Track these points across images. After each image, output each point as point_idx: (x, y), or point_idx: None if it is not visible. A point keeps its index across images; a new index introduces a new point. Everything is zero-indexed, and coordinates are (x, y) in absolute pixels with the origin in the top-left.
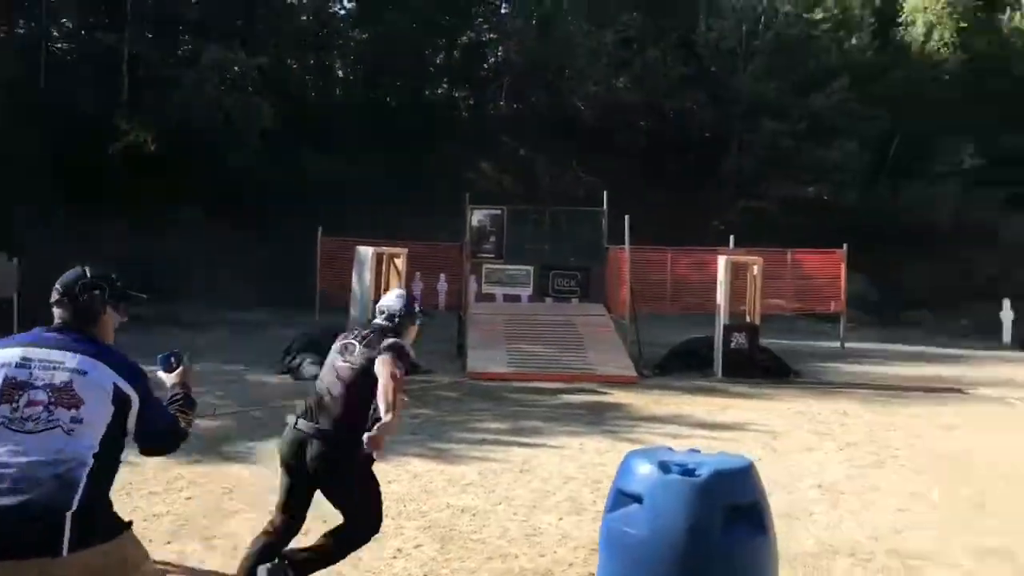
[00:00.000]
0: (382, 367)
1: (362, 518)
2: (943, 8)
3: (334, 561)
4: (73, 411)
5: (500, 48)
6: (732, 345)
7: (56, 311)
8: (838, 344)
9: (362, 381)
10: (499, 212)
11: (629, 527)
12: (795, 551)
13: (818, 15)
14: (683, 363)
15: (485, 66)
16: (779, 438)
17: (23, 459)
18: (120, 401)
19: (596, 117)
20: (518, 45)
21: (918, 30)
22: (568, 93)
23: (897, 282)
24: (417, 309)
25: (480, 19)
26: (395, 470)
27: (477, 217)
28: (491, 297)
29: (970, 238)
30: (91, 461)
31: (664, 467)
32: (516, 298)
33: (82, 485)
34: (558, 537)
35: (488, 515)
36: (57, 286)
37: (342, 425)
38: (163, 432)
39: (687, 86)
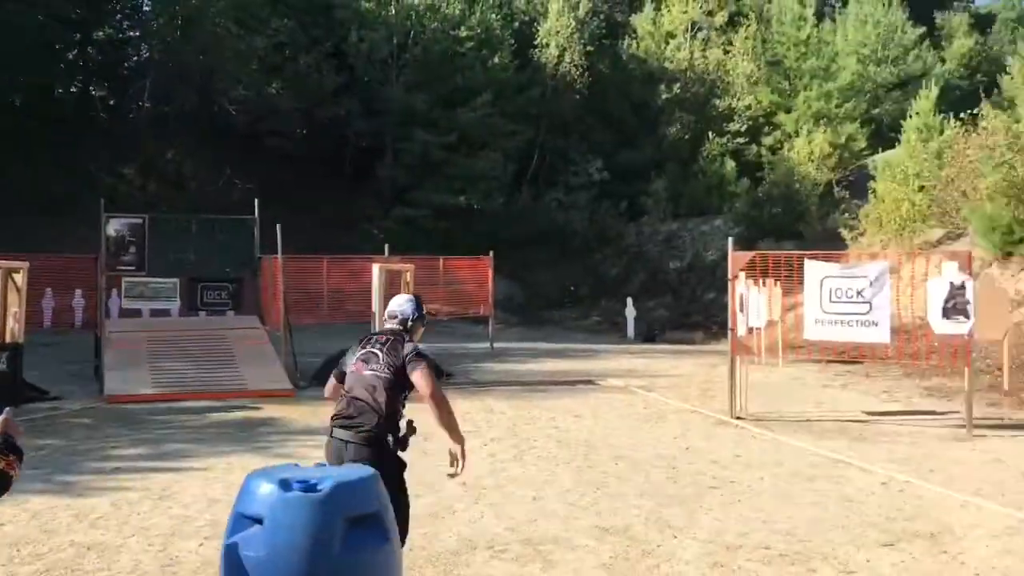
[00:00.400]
0: (424, 382)
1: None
2: (572, 33)
3: None
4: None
5: (143, 46)
6: None
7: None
8: (488, 345)
9: (390, 388)
10: (139, 221)
11: (248, 550)
12: (437, 550)
13: (463, 32)
14: None
15: (126, 65)
16: (429, 439)
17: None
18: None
19: (249, 122)
20: (161, 44)
21: (552, 52)
22: (218, 96)
23: (539, 284)
24: (425, 311)
25: (119, 15)
26: (11, 510)
27: (114, 226)
28: (137, 313)
29: (599, 243)
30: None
31: (285, 485)
32: (165, 313)
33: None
34: (197, 564)
35: (119, 550)
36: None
37: (375, 429)
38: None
39: (341, 95)
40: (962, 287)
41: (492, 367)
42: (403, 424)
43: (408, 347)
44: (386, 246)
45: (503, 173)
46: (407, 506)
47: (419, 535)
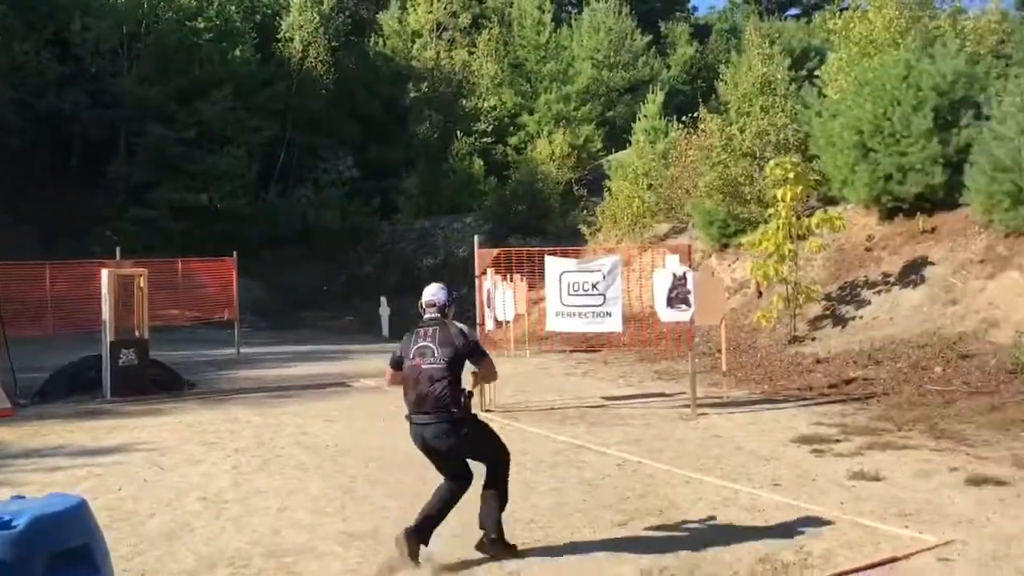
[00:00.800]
0: (489, 371)
1: (494, 454)
2: (317, 28)
3: (505, 496)
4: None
5: None
6: (121, 362)
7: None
8: (234, 350)
9: (450, 373)
10: None
11: None
12: (174, 571)
13: (200, 23)
14: (68, 387)
15: None
16: (167, 454)
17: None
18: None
19: None
20: None
21: (296, 47)
22: None
23: (290, 284)
24: (455, 295)
25: None
26: None
27: None
28: None
29: (352, 241)
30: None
31: None
32: None
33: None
34: None
35: None
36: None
37: (445, 408)
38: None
39: (65, 86)
40: (683, 278)
41: (238, 374)
42: (464, 396)
43: (455, 332)
44: (117, 248)
45: (248, 170)
46: (496, 436)
47: (153, 558)
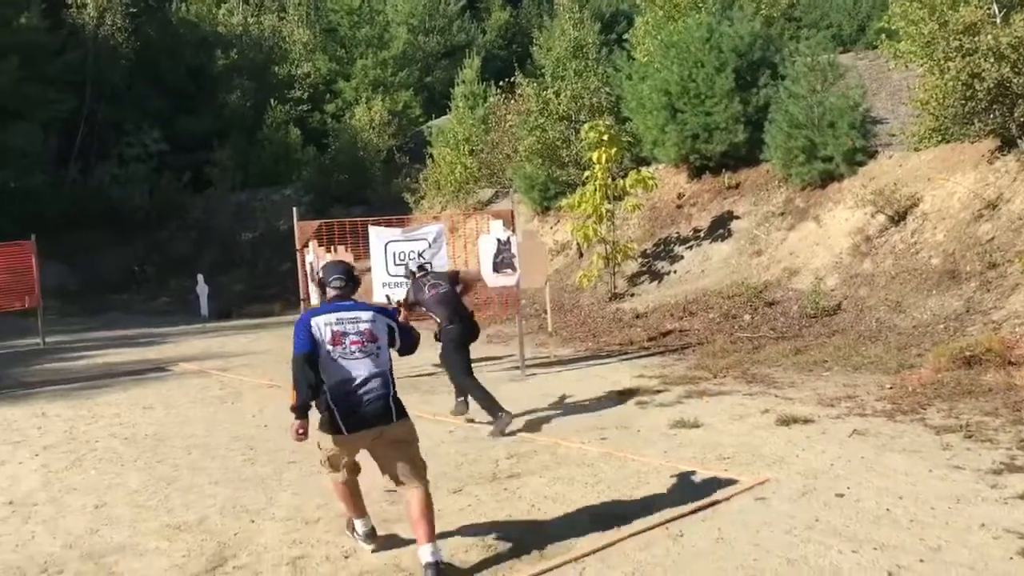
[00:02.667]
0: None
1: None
2: None
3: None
4: (375, 343)
5: None
6: None
7: (339, 288)
8: (39, 340)
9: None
10: None
11: None
12: None
13: None
14: None
15: None
16: None
17: (366, 372)
18: (390, 330)
19: None
20: None
21: (91, 13)
22: None
23: (97, 267)
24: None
25: None
26: None
27: None
28: None
29: (163, 218)
30: (389, 368)
31: None
32: None
33: (390, 382)
34: None
35: None
36: (341, 272)
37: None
38: (413, 343)
39: None
40: (508, 243)
41: (44, 366)
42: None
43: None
44: None
45: (44, 147)
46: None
47: None
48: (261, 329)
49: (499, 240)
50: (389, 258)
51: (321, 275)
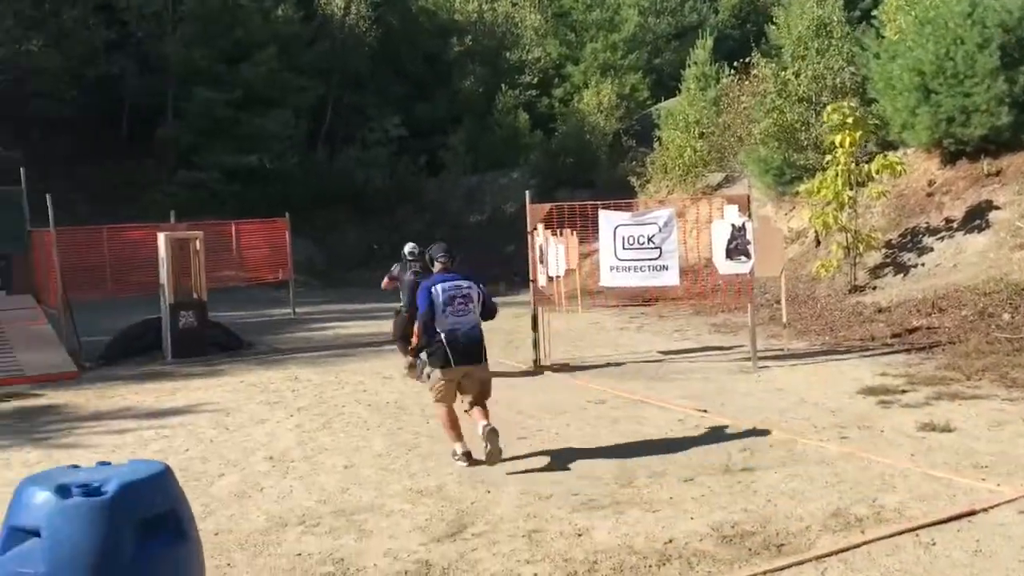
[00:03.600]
0: None
1: None
2: None
3: None
4: (472, 304)
5: None
6: (181, 324)
7: (444, 263)
8: (290, 310)
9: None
10: None
11: (25, 567)
12: (246, 530)
13: None
14: (131, 349)
15: None
16: (232, 414)
17: (468, 325)
18: (480, 295)
19: (9, 83)
20: None
21: (338, 4)
22: None
23: (340, 244)
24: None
25: None
26: None
27: None
28: None
29: (400, 199)
30: (479, 322)
31: (63, 491)
32: None
33: (480, 333)
34: None
35: None
36: (445, 250)
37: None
38: (493, 308)
39: (113, 52)
40: (742, 228)
41: (295, 334)
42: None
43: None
44: (171, 212)
45: (296, 131)
46: None
47: (225, 517)
48: None
49: (734, 226)
50: (618, 242)
51: (430, 253)
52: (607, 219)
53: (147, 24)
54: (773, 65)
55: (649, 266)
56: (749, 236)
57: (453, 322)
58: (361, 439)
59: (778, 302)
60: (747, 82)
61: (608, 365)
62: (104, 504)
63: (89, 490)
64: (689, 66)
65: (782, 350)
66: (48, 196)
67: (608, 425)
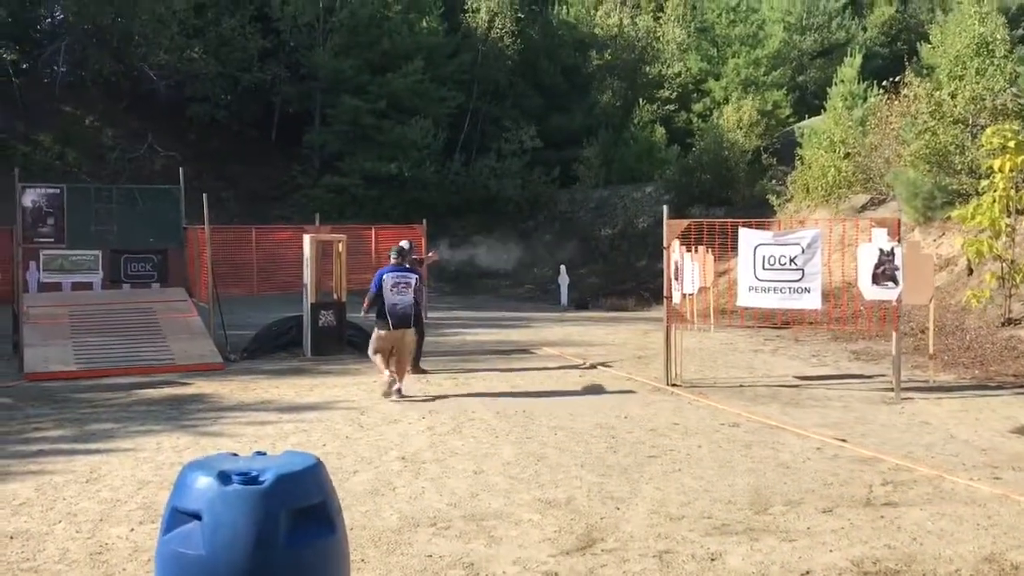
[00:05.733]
0: None
1: None
2: None
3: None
4: (410, 289)
5: (56, 6)
6: (320, 323)
7: (395, 259)
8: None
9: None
10: (58, 191)
11: (186, 548)
12: (379, 528)
13: None
14: (272, 345)
15: (39, 27)
16: (366, 413)
17: (403, 303)
18: (415, 284)
19: (170, 88)
20: (75, 5)
21: (482, 17)
22: (138, 61)
23: (471, 251)
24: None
25: None
26: None
27: (30, 197)
28: (57, 287)
29: (531, 210)
30: (413, 302)
31: (224, 478)
32: (87, 286)
33: (412, 309)
34: (129, 551)
35: (44, 538)
36: (398, 251)
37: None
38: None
39: (265, 59)
40: (891, 253)
41: (428, 338)
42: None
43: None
44: (316, 215)
45: (434, 140)
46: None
47: (359, 513)
48: (617, 323)
49: (882, 250)
50: (758, 262)
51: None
52: (748, 238)
53: (300, 34)
54: (928, 84)
55: (790, 288)
56: (898, 261)
57: (393, 299)
58: (490, 445)
59: (924, 331)
60: (897, 102)
61: (741, 387)
62: (262, 492)
63: (248, 478)
64: (836, 84)
65: (927, 382)
66: (204, 196)
67: (742, 449)
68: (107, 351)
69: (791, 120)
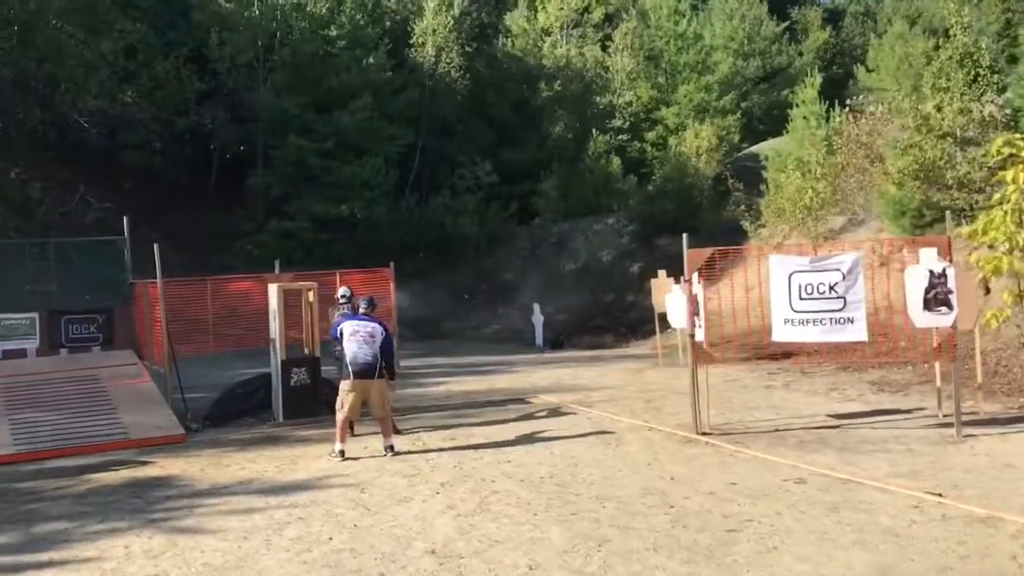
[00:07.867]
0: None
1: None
2: (449, 32)
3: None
4: (373, 339)
5: None
6: (292, 382)
7: (363, 309)
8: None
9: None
10: None
11: None
12: None
13: (333, 32)
14: (237, 409)
15: None
16: (367, 490)
17: (364, 353)
18: (382, 336)
19: (102, 135)
20: None
21: (428, 51)
22: (65, 108)
23: (430, 294)
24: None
25: None
26: None
27: None
28: None
29: (491, 247)
30: (379, 352)
31: None
32: (20, 353)
33: (374, 360)
34: None
35: None
36: (365, 301)
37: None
38: (391, 350)
39: (203, 102)
40: (943, 275)
41: (406, 391)
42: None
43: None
44: (276, 262)
45: (385, 179)
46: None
47: None
48: (601, 362)
49: (932, 272)
50: (794, 291)
51: (353, 301)
52: (780, 264)
53: (238, 74)
54: (913, 99)
55: (831, 319)
56: (951, 284)
57: (353, 350)
58: (532, 527)
59: (970, 358)
60: (863, 119)
61: (777, 431)
62: None
63: None
64: (797, 105)
65: (977, 414)
66: (156, 246)
67: (828, 513)
68: (49, 429)
69: (745, 145)
